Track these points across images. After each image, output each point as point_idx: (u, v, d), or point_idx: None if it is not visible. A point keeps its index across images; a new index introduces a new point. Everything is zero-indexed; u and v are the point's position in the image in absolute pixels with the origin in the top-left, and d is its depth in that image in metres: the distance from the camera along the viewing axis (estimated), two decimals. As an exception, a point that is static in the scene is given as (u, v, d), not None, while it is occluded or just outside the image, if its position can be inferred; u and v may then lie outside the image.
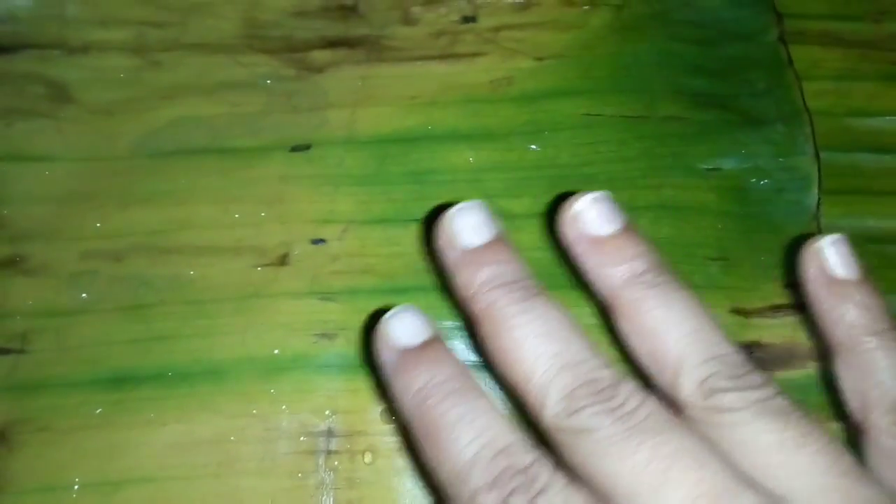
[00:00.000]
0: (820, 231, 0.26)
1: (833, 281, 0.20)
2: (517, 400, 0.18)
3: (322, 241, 0.26)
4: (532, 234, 0.26)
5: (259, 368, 0.24)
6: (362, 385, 0.24)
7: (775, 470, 0.16)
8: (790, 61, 0.28)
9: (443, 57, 0.29)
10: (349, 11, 0.30)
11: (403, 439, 0.23)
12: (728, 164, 0.27)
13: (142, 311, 0.25)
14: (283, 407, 0.24)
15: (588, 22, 0.29)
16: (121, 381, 0.24)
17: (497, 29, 0.29)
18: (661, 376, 0.18)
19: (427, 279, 0.25)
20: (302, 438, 0.23)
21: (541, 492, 0.16)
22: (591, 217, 0.20)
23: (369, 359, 0.23)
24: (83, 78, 0.28)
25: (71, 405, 0.24)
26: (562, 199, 0.21)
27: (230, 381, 0.24)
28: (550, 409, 0.17)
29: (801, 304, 0.25)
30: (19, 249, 0.26)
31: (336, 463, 0.23)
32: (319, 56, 0.29)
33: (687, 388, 0.18)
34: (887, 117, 0.29)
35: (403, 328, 0.19)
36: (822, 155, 0.27)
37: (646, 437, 0.16)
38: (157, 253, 0.26)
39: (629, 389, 0.17)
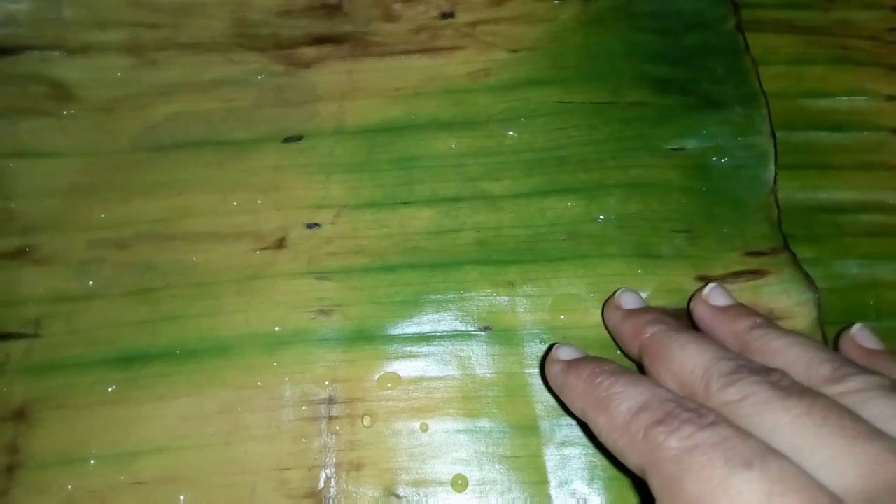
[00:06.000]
0: (777, 204, 0.28)
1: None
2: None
3: (316, 225, 0.28)
4: (512, 213, 0.28)
5: (262, 344, 0.26)
6: (358, 356, 0.26)
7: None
8: (747, 48, 0.30)
9: (424, 51, 0.31)
10: (333, 10, 0.31)
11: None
12: (690, 144, 0.29)
13: (149, 295, 0.26)
14: (286, 378, 0.25)
15: (558, 16, 0.31)
16: (132, 360, 0.25)
17: (474, 24, 0.31)
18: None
19: (414, 257, 0.27)
20: (304, 406, 0.25)
21: (712, 424, 0.18)
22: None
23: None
24: (83, 77, 0.29)
25: (85, 383, 0.25)
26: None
27: (236, 357, 0.26)
28: (715, 384, 0.20)
29: (758, 271, 0.27)
30: (29, 240, 0.27)
31: (337, 427, 0.25)
32: (307, 52, 0.30)
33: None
34: (837, 97, 0.31)
35: (566, 351, 0.24)
36: (778, 133, 0.29)
37: (802, 396, 0.19)
38: (160, 240, 0.27)
39: (779, 370, 0.20)
